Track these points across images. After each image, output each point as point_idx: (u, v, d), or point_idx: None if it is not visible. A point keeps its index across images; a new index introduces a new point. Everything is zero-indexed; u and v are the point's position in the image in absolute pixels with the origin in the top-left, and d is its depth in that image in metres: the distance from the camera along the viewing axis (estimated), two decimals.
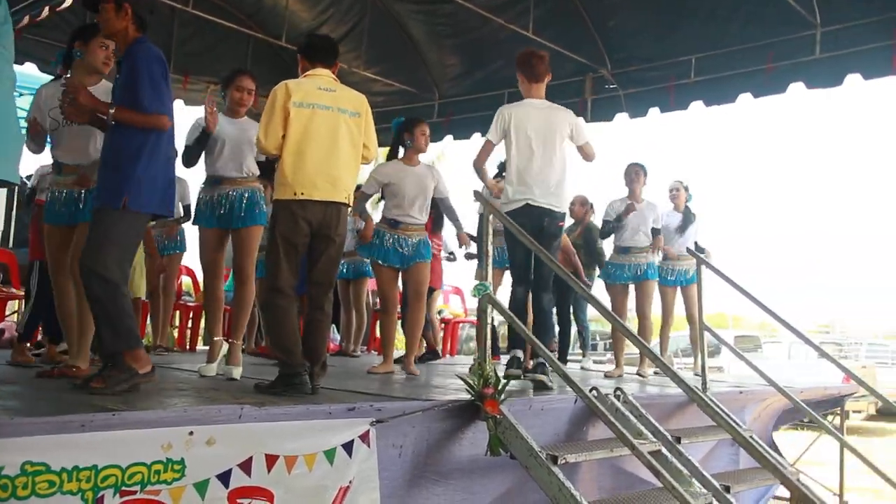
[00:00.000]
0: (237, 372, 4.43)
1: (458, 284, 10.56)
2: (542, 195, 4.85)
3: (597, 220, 7.62)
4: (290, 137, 3.89)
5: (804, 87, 7.22)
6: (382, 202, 5.71)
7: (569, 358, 7.45)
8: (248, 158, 4.71)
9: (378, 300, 5.95)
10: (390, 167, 5.59)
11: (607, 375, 6.39)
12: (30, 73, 8.98)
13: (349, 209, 4.14)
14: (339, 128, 4.00)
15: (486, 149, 5.01)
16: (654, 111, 8.40)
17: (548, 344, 4.58)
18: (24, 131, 3.81)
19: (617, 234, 6.87)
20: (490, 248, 4.22)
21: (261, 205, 4.72)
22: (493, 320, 4.17)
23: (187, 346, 7.93)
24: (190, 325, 8.27)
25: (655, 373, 6.65)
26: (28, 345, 5.13)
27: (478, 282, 4.20)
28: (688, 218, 7.33)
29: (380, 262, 5.50)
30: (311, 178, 3.89)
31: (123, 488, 2.54)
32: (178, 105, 8.57)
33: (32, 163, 7.64)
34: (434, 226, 6.95)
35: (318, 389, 3.82)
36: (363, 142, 4.16)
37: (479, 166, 5.14)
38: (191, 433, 2.73)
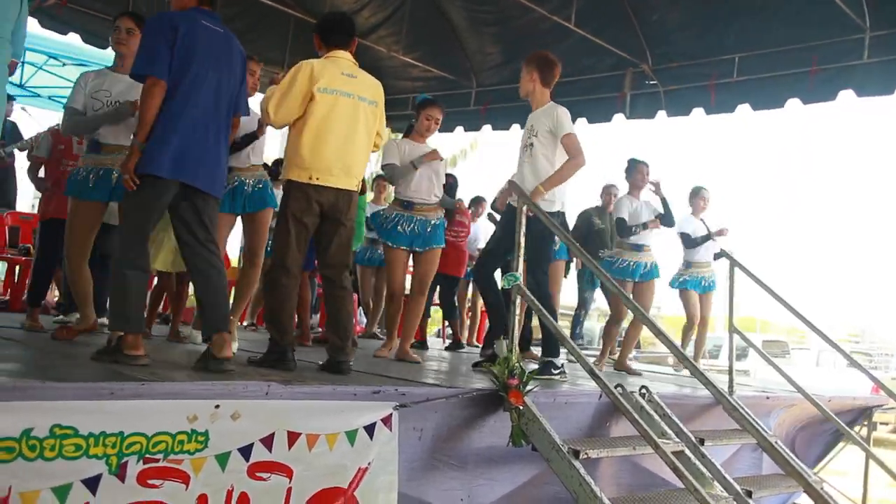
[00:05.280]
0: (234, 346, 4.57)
1: None
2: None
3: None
4: (310, 121, 3.91)
5: (854, 94, 7.06)
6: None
7: None
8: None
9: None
10: (403, 143, 5.51)
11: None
12: (71, 44, 9.03)
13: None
14: (358, 116, 4.04)
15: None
16: (698, 112, 8.28)
17: None
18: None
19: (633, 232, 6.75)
20: (523, 239, 4.19)
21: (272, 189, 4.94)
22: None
23: None
24: None
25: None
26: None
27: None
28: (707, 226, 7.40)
29: (390, 244, 5.38)
30: (327, 164, 3.92)
31: (147, 455, 2.58)
32: None
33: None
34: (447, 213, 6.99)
35: (349, 368, 3.87)
36: (377, 130, 4.20)
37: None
38: (217, 406, 2.76)
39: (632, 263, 6.60)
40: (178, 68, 3.38)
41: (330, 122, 3.93)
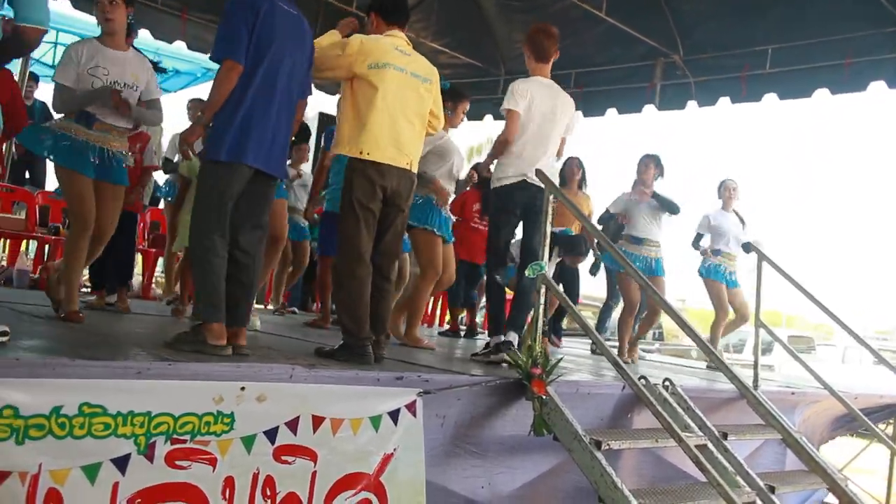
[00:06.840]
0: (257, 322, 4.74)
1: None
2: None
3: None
4: (359, 96, 3.83)
5: (885, 85, 6.97)
6: None
7: None
8: None
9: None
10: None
11: None
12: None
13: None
14: (410, 92, 3.95)
15: (516, 120, 4.63)
16: (724, 101, 8.21)
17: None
18: None
19: (630, 224, 6.69)
20: (549, 228, 4.17)
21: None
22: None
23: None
24: None
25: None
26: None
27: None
28: (742, 220, 7.26)
29: (434, 230, 5.32)
30: (376, 138, 3.81)
31: (175, 436, 2.60)
32: None
33: None
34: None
35: (383, 357, 3.83)
36: (432, 110, 4.13)
37: (513, 140, 4.69)
38: (242, 388, 2.78)
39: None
40: (255, 51, 3.32)
41: (378, 96, 3.82)
